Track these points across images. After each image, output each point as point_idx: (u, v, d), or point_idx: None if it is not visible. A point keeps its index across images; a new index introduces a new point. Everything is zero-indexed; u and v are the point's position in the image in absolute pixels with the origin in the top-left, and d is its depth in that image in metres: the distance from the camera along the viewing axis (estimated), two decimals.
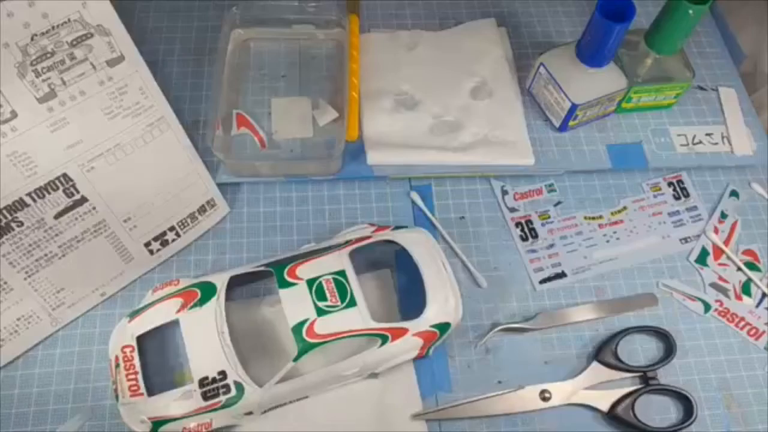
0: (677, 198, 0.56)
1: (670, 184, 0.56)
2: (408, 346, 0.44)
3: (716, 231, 0.54)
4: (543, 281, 0.51)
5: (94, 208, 0.44)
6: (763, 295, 0.52)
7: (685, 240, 0.54)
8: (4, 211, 0.40)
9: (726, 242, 0.54)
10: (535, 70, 0.55)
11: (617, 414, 0.46)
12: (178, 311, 0.44)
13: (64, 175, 0.41)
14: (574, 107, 0.53)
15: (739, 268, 0.52)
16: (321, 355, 0.43)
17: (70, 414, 0.44)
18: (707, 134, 0.58)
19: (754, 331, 0.50)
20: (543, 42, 0.62)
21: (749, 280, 0.52)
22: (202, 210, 0.50)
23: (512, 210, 0.54)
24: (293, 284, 0.44)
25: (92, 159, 0.42)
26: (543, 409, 0.46)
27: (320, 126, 0.55)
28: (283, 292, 0.44)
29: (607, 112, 0.57)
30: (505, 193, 0.54)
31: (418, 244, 0.48)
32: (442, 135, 0.55)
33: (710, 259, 0.53)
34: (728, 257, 0.53)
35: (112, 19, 0.39)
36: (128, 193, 0.45)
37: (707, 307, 0.51)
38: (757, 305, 0.51)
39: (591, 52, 0.51)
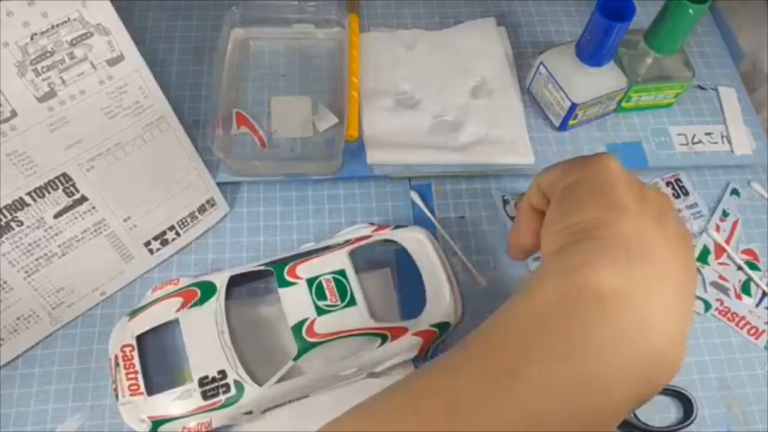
0: (677, 197, 0.55)
1: (668, 183, 0.56)
2: (408, 345, 0.44)
3: (717, 229, 0.54)
4: None
5: (93, 208, 0.44)
6: (763, 294, 0.52)
7: None
8: (4, 211, 0.40)
9: (727, 241, 0.54)
10: (535, 69, 0.55)
11: None
12: (178, 310, 0.44)
13: (64, 175, 0.41)
14: (574, 106, 0.53)
15: (740, 267, 0.52)
16: (321, 354, 0.43)
17: (70, 413, 0.44)
18: (707, 134, 0.58)
19: (754, 330, 0.50)
20: (543, 41, 0.62)
21: (749, 279, 0.52)
22: (202, 209, 0.50)
23: (513, 219, 0.53)
24: (293, 283, 0.44)
25: (92, 158, 0.42)
26: None
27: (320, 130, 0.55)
28: (282, 291, 0.44)
29: (607, 111, 0.57)
30: (506, 203, 0.53)
31: (417, 243, 0.48)
32: (441, 134, 0.55)
33: (711, 258, 0.53)
34: (729, 256, 0.53)
35: (112, 19, 0.39)
36: (128, 192, 0.45)
37: (707, 306, 0.51)
38: (757, 304, 0.51)
39: (591, 52, 0.51)
